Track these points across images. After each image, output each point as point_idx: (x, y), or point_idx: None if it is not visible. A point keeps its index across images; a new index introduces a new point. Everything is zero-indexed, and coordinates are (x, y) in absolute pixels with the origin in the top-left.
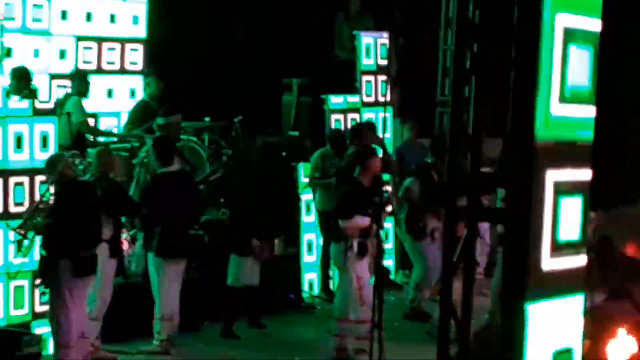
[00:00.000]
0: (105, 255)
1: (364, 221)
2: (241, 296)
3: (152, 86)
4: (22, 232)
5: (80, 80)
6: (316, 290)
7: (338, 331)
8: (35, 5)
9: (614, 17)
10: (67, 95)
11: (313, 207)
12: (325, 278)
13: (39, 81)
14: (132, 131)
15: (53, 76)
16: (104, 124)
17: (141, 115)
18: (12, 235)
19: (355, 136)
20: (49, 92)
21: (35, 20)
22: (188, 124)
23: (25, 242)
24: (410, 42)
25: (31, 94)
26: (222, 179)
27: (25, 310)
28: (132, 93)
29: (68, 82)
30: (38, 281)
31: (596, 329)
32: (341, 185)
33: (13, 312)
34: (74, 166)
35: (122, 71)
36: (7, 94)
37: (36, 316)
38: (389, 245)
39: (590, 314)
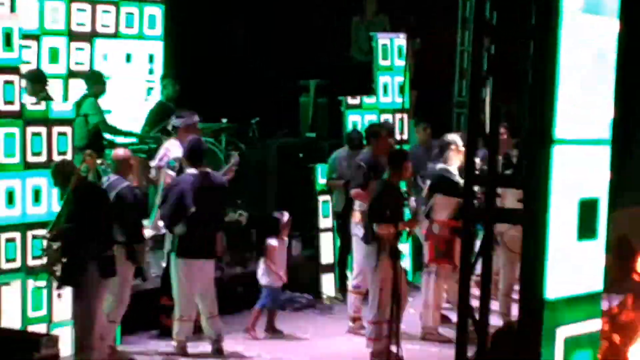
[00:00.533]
0: (122, 258)
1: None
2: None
3: (169, 88)
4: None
5: (96, 81)
6: (333, 291)
7: (374, 334)
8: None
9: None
10: (83, 97)
11: (330, 208)
12: (342, 279)
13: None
14: (150, 132)
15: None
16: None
17: (158, 116)
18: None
19: (372, 137)
20: (64, 94)
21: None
22: (205, 125)
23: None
24: (427, 43)
25: (48, 96)
26: (238, 180)
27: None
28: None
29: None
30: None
31: (616, 332)
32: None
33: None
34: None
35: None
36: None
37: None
38: (405, 246)
39: (610, 316)
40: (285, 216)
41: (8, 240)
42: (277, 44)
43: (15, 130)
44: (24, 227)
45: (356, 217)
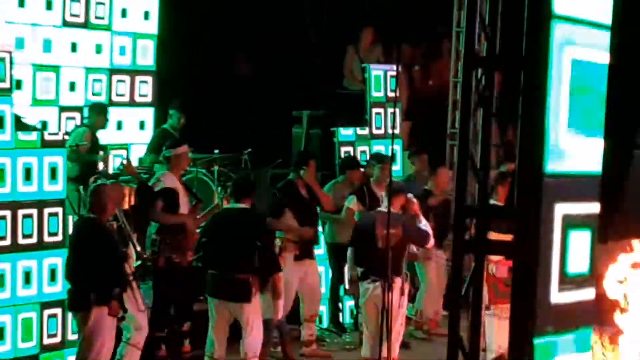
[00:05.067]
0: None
1: None
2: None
3: (174, 118)
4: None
5: (97, 113)
6: (325, 323)
7: None
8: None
9: (623, 50)
10: (76, 127)
11: (323, 239)
12: (335, 310)
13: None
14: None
15: (62, 108)
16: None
17: (160, 143)
18: None
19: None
20: (57, 124)
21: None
22: (197, 155)
23: None
24: (422, 74)
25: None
26: None
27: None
28: (142, 125)
29: (77, 115)
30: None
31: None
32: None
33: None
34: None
35: (132, 103)
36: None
37: (44, 349)
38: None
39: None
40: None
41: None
42: (270, 74)
43: None
44: None
45: None
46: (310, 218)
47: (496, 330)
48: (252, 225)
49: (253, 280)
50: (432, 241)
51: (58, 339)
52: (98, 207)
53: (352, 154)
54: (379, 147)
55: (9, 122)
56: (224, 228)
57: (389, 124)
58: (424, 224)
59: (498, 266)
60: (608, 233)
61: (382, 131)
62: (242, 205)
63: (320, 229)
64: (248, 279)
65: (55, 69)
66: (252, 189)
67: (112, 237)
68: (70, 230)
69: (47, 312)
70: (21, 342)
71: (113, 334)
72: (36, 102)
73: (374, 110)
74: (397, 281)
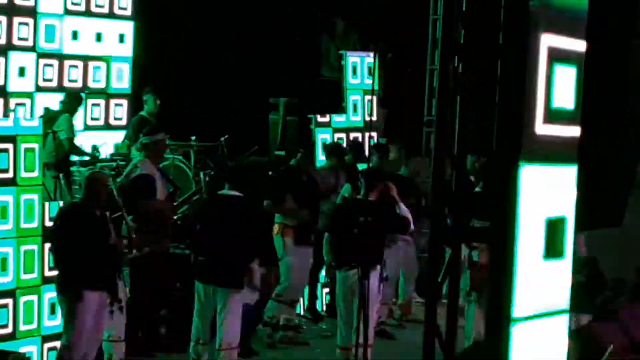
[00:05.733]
0: None
1: None
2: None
3: (150, 103)
4: None
5: (74, 99)
6: (302, 310)
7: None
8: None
9: (598, 38)
10: (59, 112)
11: None
12: (312, 297)
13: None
14: (131, 146)
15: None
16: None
17: (138, 130)
18: None
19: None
20: (31, 109)
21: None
22: (174, 143)
23: None
24: (397, 61)
25: None
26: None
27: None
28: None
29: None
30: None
31: (583, 350)
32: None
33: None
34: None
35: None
36: None
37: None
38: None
39: (577, 334)
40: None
41: None
42: (247, 61)
43: None
44: None
45: None
46: (310, 203)
47: (476, 317)
48: (250, 213)
49: (248, 269)
50: (411, 227)
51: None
52: (92, 195)
53: (329, 141)
54: (356, 134)
55: None
56: (219, 215)
57: (367, 112)
58: (403, 210)
59: (481, 252)
60: None
61: (359, 118)
62: (236, 192)
63: None
64: (244, 266)
65: None
66: (248, 177)
67: (102, 225)
68: (47, 217)
69: None
70: None
71: (100, 324)
72: None
73: (351, 97)
74: (377, 268)
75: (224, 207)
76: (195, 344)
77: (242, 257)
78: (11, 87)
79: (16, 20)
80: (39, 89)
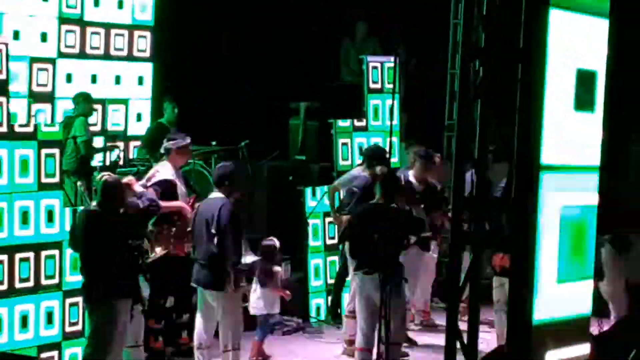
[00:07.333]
0: None
1: None
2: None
3: (168, 111)
4: None
5: (84, 102)
6: (322, 315)
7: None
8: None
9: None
10: (72, 117)
11: (320, 231)
12: (337, 302)
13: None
14: (148, 154)
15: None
16: None
17: (156, 137)
18: None
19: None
20: (52, 115)
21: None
22: (195, 148)
23: None
24: (420, 65)
25: None
26: None
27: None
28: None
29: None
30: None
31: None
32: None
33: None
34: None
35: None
36: None
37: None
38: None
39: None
40: (277, 242)
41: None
42: (267, 66)
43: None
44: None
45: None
46: None
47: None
48: (226, 214)
49: (232, 271)
50: (427, 229)
51: None
52: (112, 199)
53: (349, 146)
54: (376, 139)
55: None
56: (203, 218)
57: (387, 116)
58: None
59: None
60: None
61: (379, 123)
62: (220, 194)
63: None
64: (223, 268)
65: None
66: (228, 179)
67: (125, 230)
68: (68, 222)
69: None
70: None
71: (126, 329)
72: None
73: (372, 102)
74: (396, 273)
75: (209, 208)
76: (196, 349)
77: (222, 259)
78: None
79: (35, 66)
80: None
